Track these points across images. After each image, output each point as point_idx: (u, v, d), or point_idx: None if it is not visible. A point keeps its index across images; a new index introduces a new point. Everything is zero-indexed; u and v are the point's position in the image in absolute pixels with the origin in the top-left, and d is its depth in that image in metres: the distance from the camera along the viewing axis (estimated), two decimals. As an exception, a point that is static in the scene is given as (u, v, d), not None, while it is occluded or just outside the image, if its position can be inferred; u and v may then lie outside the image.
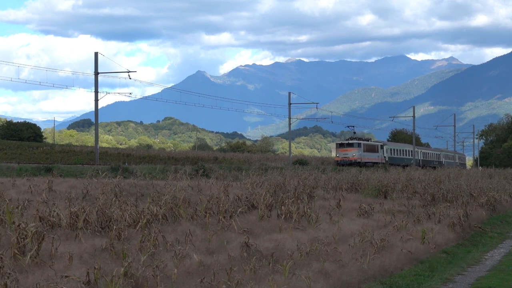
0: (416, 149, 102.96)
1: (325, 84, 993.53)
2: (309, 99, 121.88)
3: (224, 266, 13.44)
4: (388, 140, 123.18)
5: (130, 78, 63.25)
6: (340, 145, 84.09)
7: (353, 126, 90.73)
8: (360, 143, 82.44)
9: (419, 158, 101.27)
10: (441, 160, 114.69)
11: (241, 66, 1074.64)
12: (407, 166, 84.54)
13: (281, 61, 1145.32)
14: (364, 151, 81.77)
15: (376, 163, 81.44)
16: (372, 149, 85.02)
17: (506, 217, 31.43)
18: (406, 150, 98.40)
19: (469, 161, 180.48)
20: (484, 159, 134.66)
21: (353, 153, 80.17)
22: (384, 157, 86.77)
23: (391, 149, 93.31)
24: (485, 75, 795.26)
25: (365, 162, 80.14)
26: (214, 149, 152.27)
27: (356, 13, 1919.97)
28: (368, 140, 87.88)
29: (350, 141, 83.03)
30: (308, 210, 21.36)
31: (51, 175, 31.16)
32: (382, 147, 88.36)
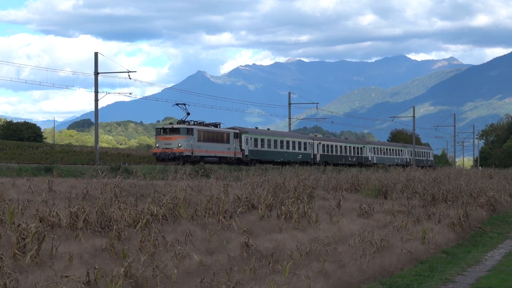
0: (361, 145, 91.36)
1: (325, 84, 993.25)
2: (309, 99, 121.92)
3: (224, 266, 13.44)
4: (388, 141, 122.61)
5: (130, 78, 63.26)
6: (161, 131, 58.17)
7: (185, 104, 61.86)
8: (192, 128, 57.20)
9: (360, 155, 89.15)
10: (403, 156, 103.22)
11: (241, 66, 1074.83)
12: (308, 165, 67.94)
13: (281, 61, 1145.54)
14: (199, 141, 57.82)
15: (224, 158, 60.54)
16: (215, 138, 60.37)
17: (506, 217, 31.43)
18: (332, 146, 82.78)
19: (469, 161, 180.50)
20: (484, 159, 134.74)
21: (179, 143, 55.80)
22: (242, 150, 63.19)
23: (290, 142, 72.36)
24: (486, 75, 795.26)
25: (203, 157, 57.50)
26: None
27: (357, 13, 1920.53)
28: (211, 125, 62.21)
29: (176, 126, 57.67)
30: (308, 210, 21.36)
31: (51, 175, 31.16)
32: (237, 136, 63.21)
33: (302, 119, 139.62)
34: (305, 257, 15.22)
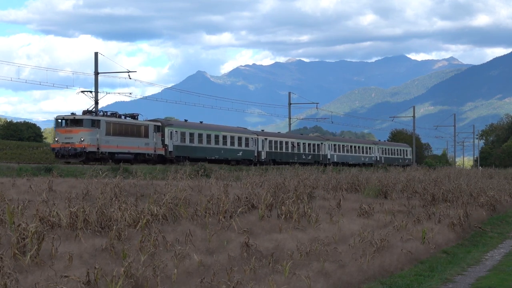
0: (319, 141, 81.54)
1: (325, 84, 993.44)
2: (309, 99, 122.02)
3: (224, 266, 13.44)
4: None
5: (130, 78, 63.42)
6: (61, 123, 49.22)
7: (91, 91, 54.34)
8: (99, 120, 48.97)
9: (318, 153, 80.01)
10: (372, 155, 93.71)
11: (241, 66, 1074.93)
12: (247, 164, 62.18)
13: (281, 61, 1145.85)
14: (108, 134, 49.44)
15: (141, 155, 52.85)
16: (129, 131, 51.95)
17: (506, 217, 31.44)
18: (281, 142, 73.32)
19: (469, 161, 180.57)
20: (484, 159, 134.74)
21: (82, 137, 47.59)
22: (165, 146, 55.59)
23: (228, 137, 64.14)
24: (486, 75, 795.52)
25: (113, 154, 49.69)
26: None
27: (357, 13, 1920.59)
28: (126, 117, 53.69)
29: (78, 116, 49.04)
30: (308, 210, 21.36)
31: (51, 175, 31.15)
32: (158, 129, 55.28)
33: (302, 119, 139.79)
34: (305, 257, 15.22)
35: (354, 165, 78.98)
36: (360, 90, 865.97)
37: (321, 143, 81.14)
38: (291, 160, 71.56)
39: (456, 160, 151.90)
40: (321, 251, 15.70)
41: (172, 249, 14.48)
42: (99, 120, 49.17)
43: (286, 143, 73.85)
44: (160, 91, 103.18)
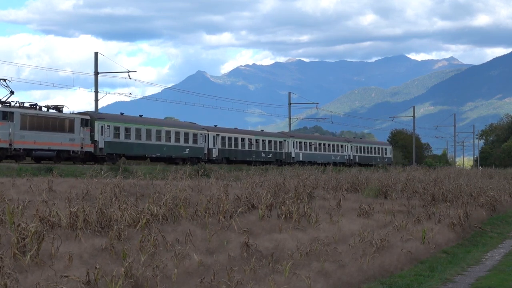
0: (281, 138, 75.36)
1: (325, 84, 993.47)
2: (309, 99, 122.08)
3: (224, 266, 13.44)
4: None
5: (130, 78, 63.49)
6: None
7: (5, 80, 46.07)
8: (12, 112, 43.29)
9: (280, 151, 73.55)
10: (344, 153, 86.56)
11: (241, 66, 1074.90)
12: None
13: (281, 61, 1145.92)
14: (24, 129, 43.92)
15: (65, 152, 47.43)
16: (50, 125, 46.48)
17: (506, 217, 31.45)
18: (236, 138, 67.04)
19: (469, 161, 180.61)
20: (484, 159, 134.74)
21: None
22: (95, 142, 49.84)
23: (173, 133, 58.23)
24: (486, 75, 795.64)
25: (30, 150, 44.77)
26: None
27: (357, 13, 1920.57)
28: (49, 109, 47.97)
29: None
30: (308, 210, 21.36)
31: (51, 175, 31.16)
32: (86, 123, 49.34)
33: (302, 119, 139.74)
34: (305, 257, 15.22)
35: (324, 164, 72.89)
36: (360, 90, 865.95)
37: (284, 140, 75.20)
38: (248, 159, 67.09)
39: (456, 160, 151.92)
40: (321, 251, 15.70)
41: (172, 249, 14.49)
42: (13, 112, 43.16)
43: (243, 139, 67.94)
44: (160, 91, 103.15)
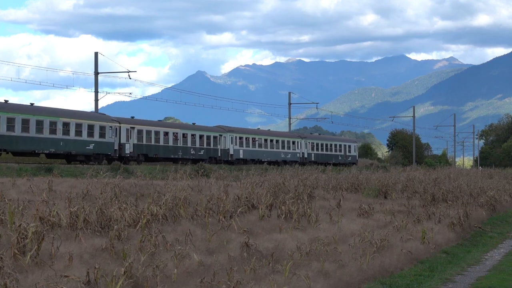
0: (217, 133, 65.62)
1: (325, 84, 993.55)
2: (309, 99, 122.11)
3: (224, 266, 13.45)
4: (388, 141, 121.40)
5: (130, 78, 63.53)
6: None
7: None
8: None
9: (216, 147, 64.65)
10: (297, 151, 76.91)
11: (241, 66, 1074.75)
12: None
13: (281, 61, 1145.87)
14: None
15: None
16: None
17: (506, 217, 31.47)
18: (158, 132, 57.80)
19: (469, 161, 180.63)
20: (484, 159, 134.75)
21: None
22: None
23: (72, 125, 49.01)
24: (486, 75, 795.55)
25: None
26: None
27: (358, 13, 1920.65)
28: None
29: None
30: (308, 210, 21.37)
31: (51, 175, 31.16)
32: None
33: (302, 119, 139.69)
34: (305, 257, 15.23)
35: (272, 163, 68.01)
36: (360, 90, 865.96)
37: (220, 135, 65.55)
38: (173, 156, 58.74)
39: (456, 160, 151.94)
40: (321, 251, 15.71)
41: (172, 249, 14.49)
42: None
43: (166, 133, 58.68)
44: (160, 91, 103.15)
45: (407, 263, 17.13)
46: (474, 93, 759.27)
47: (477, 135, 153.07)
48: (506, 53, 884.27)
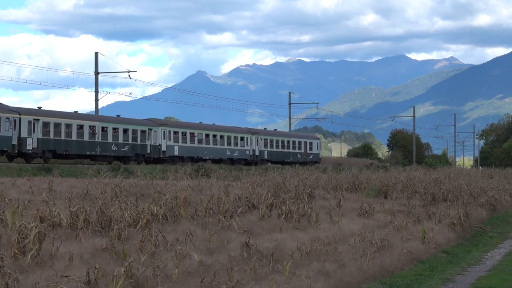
0: (145, 126, 57.72)
1: (325, 84, 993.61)
2: (309, 99, 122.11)
3: (224, 266, 13.46)
4: (388, 141, 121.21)
5: (130, 78, 63.62)
6: None
7: None
8: None
9: (144, 143, 56.75)
10: (246, 148, 69.13)
11: (241, 66, 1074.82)
12: None
13: (281, 61, 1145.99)
14: None
15: None
16: None
17: (506, 217, 31.49)
18: (69, 125, 50.54)
19: (469, 161, 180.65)
20: (484, 159, 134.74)
21: None
22: None
23: None
24: (486, 75, 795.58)
25: None
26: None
27: (358, 13, 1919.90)
28: None
29: None
30: (309, 210, 21.38)
31: (51, 175, 31.16)
32: None
33: (302, 118, 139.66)
34: (305, 257, 15.24)
35: (217, 161, 62.11)
36: (360, 90, 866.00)
37: (150, 130, 57.78)
38: (88, 153, 51.90)
39: (456, 160, 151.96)
40: (321, 251, 15.71)
41: (172, 249, 14.50)
42: None
43: (80, 127, 51.62)
44: (160, 91, 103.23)
45: (407, 263, 17.13)
46: (474, 93, 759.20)
47: (477, 135, 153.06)
48: (506, 53, 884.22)
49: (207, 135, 64.73)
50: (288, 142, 76.85)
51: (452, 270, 16.87)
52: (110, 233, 15.60)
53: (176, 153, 59.88)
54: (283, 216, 20.74)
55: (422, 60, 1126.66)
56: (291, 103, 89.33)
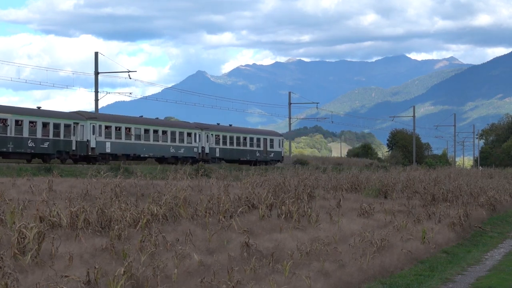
0: (73, 120, 50.91)
1: (325, 84, 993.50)
2: (309, 99, 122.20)
3: (224, 266, 13.46)
4: (388, 141, 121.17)
5: (130, 78, 63.61)
6: None
7: None
8: None
9: (69, 139, 50.08)
10: (194, 144, 62.65)
11: (241, 66, 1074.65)
12: None
13: (281, 61, 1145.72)
14: None
15: None
16: None
17: (506, 217, 31.49)
18: None
19: (469, 161, 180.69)
20: (484, 159, 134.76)
21: None
22: None
23: None
24: (486, 75, 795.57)
25: None
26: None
27: (358, 13, 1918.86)
28: None
29: None
30: (309, 210, 21.38)
31: (51, 175, 31.17)
32: None
33: (302, 118, 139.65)
34: (305, 257, 15.24)
35: (159, 159, 57.75)
36: (360, 90, 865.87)
37: (76, 124, 51.22)
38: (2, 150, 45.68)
39: (456, 160, 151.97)
40: (321, 251, 15.72)
41: (172, 249, 14.51)
42: None
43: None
44: (160, 91, 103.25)
45: (407, 263, 17.14)
46: (474, 93, 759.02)
47: (477, 135, 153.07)
48: (506, 53, 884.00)
49: (146, 130, 58.22)
50: (245, 138, 70.39)
51: (452, 270, 16.87)
52: (110, 233, 15.60)
53: (108, 150, 53.65)
54: (283, 216, 20.74)
55: (422, 60, 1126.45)
56: (291, 103, 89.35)
